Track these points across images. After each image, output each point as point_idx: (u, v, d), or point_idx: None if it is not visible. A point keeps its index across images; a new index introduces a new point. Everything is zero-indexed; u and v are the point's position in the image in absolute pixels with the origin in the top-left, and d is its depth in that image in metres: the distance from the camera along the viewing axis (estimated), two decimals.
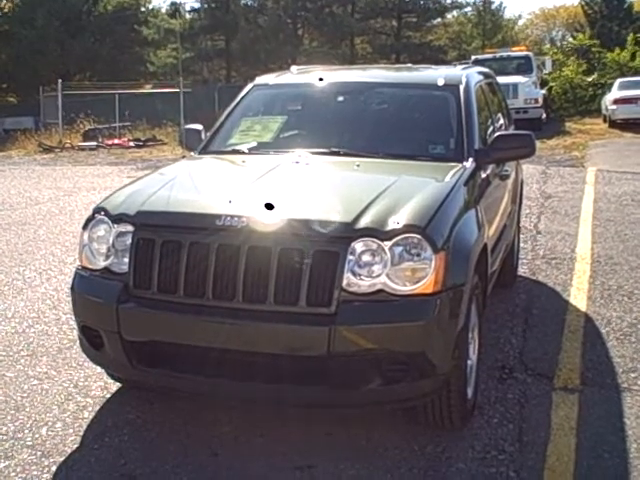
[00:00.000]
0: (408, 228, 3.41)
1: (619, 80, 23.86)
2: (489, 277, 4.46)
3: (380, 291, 3.34)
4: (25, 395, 4.34)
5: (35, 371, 4.69)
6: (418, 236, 3.39)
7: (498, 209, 5.03)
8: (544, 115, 22.30)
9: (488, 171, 4.71)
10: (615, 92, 22.48)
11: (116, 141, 21.48)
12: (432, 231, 3.44)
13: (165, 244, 3.53)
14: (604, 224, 8.80)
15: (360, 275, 3.35)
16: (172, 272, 3.49)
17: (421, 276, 3.36)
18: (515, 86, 20.74)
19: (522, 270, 6.90)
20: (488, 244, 4.25)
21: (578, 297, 6.14)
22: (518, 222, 6.78)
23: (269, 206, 3.57)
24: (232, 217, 3.47)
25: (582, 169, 13.82)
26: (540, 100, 21.84)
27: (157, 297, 3.53)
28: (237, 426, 3.88)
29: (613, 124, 21.94)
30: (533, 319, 5.67)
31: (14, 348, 5.09)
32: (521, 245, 7.38)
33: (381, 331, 3.31)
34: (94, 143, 21.11)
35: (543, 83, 25.56)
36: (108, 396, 4.30)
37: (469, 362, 3.87)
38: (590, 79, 28.25)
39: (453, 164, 4.37)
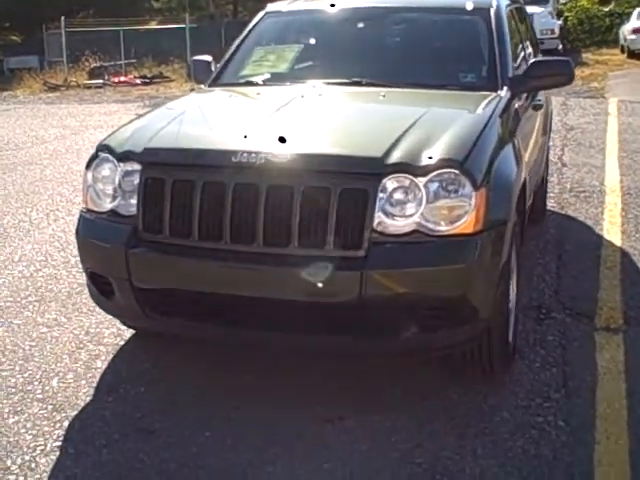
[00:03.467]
0: (444, 163, 3.08)
1: (638, 9, 23.09)
2: (526, 211, 4.14)
3: (415, 232, 3.04)
4: (34, 344, 4.09)
5: (44, 318, 4.43)
6: (456, 171, 3.07)
7: (530, 142, 4.68)
8: (560, 46, 21.68)
9: (522, 101, 4.35)
10: (634, 21, 21.81)
11: (122, 78, 20.98)
12: (471, 166, 3.12)
13: (176, 184, 3.21)
14: (631, 156, 8.44)
15: (392, 215, 3.05)
16: (185, 214, 3.18)
17: (460, 215, 3.05)
18: (531, 16, 20.04)
19: (550, 204, 6.58)
20: (527, 178, 3.93)
21: (611, 231, 5.84)
22: (547, 155, 6.44)
23: (290, 141, 3.24)
24: (249, 153, 3.15)
25: (603, 100, 13.35)
26: (556, 31, 21.27)
27: (169, 241, 3.23)
28: (260, 375, 3.63)
29: (632, 54, 21.30)
30: (566, 255, 5.37)
31: (22, 294, 4.84)
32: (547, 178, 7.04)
33: (417, 275, 3.01)
34: (100, 81, 20.62)
35: (559, 14, 24.84)
36: (122, 343, 4.04)
37: (509, 304, 3.59)
38: (607, 9, 27.39)
39: (486, 93, 4.01)
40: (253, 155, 3.14)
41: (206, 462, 2.99)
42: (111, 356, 3.91)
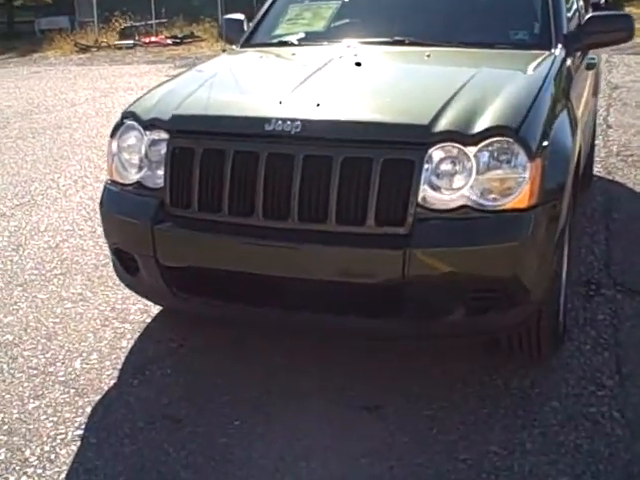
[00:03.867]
0: (497, 130, 2.82)
1: None
2: (579, 180, 3.86)
3: (463, 207, 2.79)
4: (58, 320, 3.92)
5: (69, 292, 4.27)
6: (509, 139, 2.80)
7: (582, 104, 4.37)
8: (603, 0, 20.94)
9: (575, 60, 4.04)
10: None
11: (153, 39, 20.71)
12: (526, 133, 2.85)
13: (206, 154, 2.99)
14: None
15: (439, 188, 2.80)
16: (215, 187, 2.96)
17: (513, 188, 2.80)
18: None
19: (596, 169, 6.25)
20: (581, 145, 3.64)
21: None
22: (595, 117, 6.10)
23: (328, 107, 3.00)
24: (284, 121, 2.91)
25: None
26: None
27: (198, 216, 3.02)
28: (292, 357, 3.43)
29: None
30: (615, 225, 5.08)
31: (47, 266, 4.68)
32: None
33: (464, 254, 2.77)
34: (131, 41, 20.39)
35: None
36: (148, 320, 3.86)
37: (561, 281, 3.34)
38: None
39: (540, 52, 3.72)
40: (288, 123, 2.90)
41: (235, 455, 2.80)
42: (137, 334, 3.73)
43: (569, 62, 3.82)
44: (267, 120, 2.93)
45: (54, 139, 8.56)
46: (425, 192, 2.78)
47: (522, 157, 2.80)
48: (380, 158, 2.78)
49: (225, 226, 2.96)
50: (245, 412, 3.06)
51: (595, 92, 5.48)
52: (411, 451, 2.80)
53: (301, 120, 2.90)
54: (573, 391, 3.15)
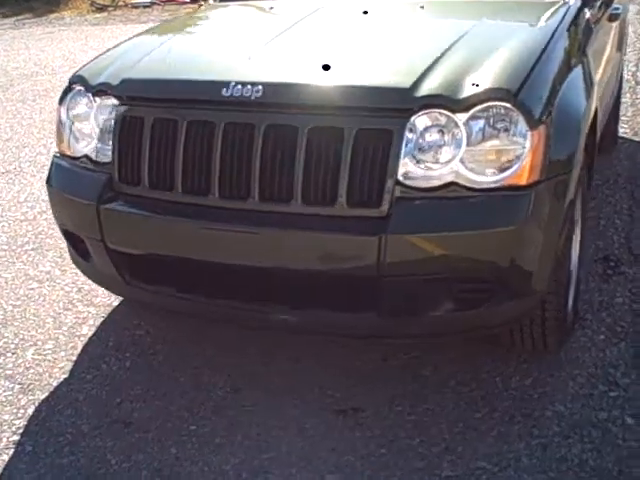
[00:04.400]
0: (493, 93, 2.39)
1: None
2: (596, 147, 3.42)
3: (451, 184, 2.37)
4: (18, 303, 3.58)
5: (37, 270, 3.93)
6: (507, 104, 2.37)
7: (603, 60, 3.89)
8: None
9: (595, 10, 3.56)
10: None
11: None
12: (527, 97, 2.42)
13: (157, 124, 2.61)
14: None
15: (423, 162, 2.38)
16: (167, 162, 2.58)
17: (510, 161, 2.37)
18: None
19: (622, 130, 5.74)
20: (598, 106, 3.19)
21: None
22: (621, 73, 5.58)
23: (294, 69, 2.59)
24: (244, 85, 2.50)
25: None
26: None
27: (149, 195, 2.64)
28: (265, 350, 3.05)
29: None
30: None
31: (19, 240, 4.34)
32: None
33: (452, 240, 2.35)
34: (148, 0, 19.90)
35: None
36: (116, 304, 3.51)
37: (571, 265, 2.92)
38: None
39: (551, 1, 3.24)
40: (248, 87, 2.50)
41: (184, 469, 2.45)
42: (101, 320, 3.38)
43: (587, 13, 3.34)
44: (225, 84, 2.53)
45: (55, 102, 8.18)
46: (406, 167, 2.37)
47: (522, 125, 2.37)
48: (353, 128, 2.37)
49: (178, 207, 2.58)
50: (204, 416, 2.71)
51: (620, 46, 4.96)
52: (387, 466, 2.42)
53: (263, 84, 2.50)
54: (581, 391, 2.75)
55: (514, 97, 2.38)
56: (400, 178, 2.36)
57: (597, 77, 3.46)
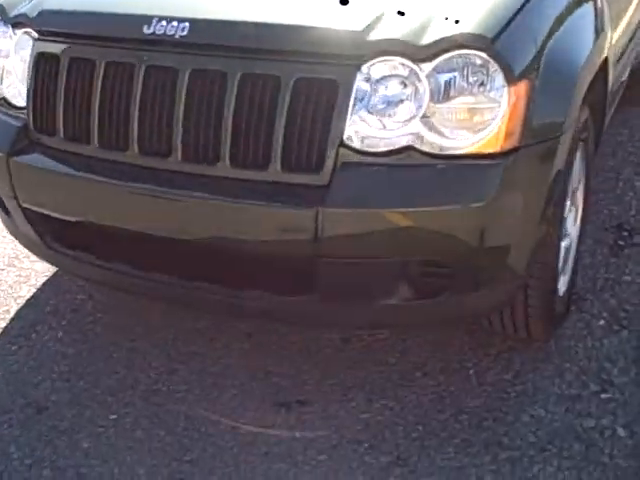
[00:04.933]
0: (464, 39, 1.93)
1: None
2: (610, 99, 2.93)
3: (408, 149, 1.94)
4: None
5: None
6: (481, 53, 1.92)
7: None
8: None
9: None
10: None
11: None
12: (507, 45, 1.96)
13: (73, 64, 2.21)
14: None
15: (375, 120, 1.95)
16: (83, 110, 2.18)
17: (482, 123, 1.93)
18: None
19: None
20: (610, 55, 2.70)
21: None
22: None
23: (225, 4, 2.16)
24: (169, 21, 2.08)
25: None
26: None
27: (65, 148, 2.25)
28: (215, 324, 2.69)
29: None
30: None
31: None
32: None
33: (405, 217, 1.93)
34: None
35: None
36: None
37: (564, 243, 2.49)
38: None
39: None
40: (173, 24, 2.07)
41: (92, 470, 2.11)
42: (43, 280, 3.04)
43: None
44: (146, 20, 2.11)
45: None
46: (354, 126, 1.95)
47: (498, 79, 1.92)
48: (291, 76, 1.95)
49: (95, 163, 2.20)
50: (129, 403, 2.37)
51: None
52: (325, 477, 2.07)
53: (190, 20, 2.07)
54: (568, 391, 2.35)
55: (490, 45, 1.93)
56: (346, 139, 1.94)
57: (619, 15, 2.95)
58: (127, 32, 2.15)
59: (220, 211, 2.03)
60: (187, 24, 2.06)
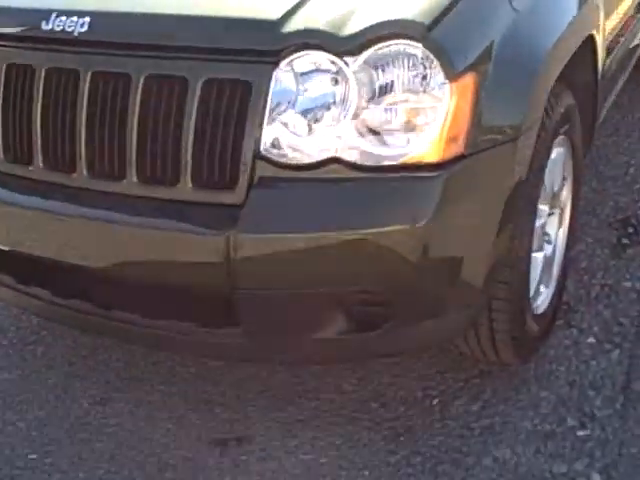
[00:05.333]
0: (395, 29, 1.64)
1: None
2: (605, 83, 2.60)
3: (333, 160, 1.66)
4: None
5: None
6: (416, 44, 1.63)
7: None
8: None
9: None
10: None
11: None
12: (447, 33, 1.68)
13: None
14: None
15: (295, 127, 1.68)
16: None
17: (420, 127, 1.65)
18: None
19: None
20: (602, 30, 2.37)
21: None
22: None
23: None
24: (68, 16, 1.82)
25: None
26: None
27: None
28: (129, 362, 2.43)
29: None
30: None
31: None
32: None
33: (330, 243, 1.66)
34: None
35: None
36: None
37: (542, 253, 2.20)
38: None
39: None
40: (73, 19, 1.82)
41: None
42: None
43: None
44: (46, 14, 1.85)
45: None
46: (272, 134, 1.68)
47: (437, 74, 1.63)
48: (198, 78, 1.69)
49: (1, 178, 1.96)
50: (54, 439, 2.14)
51: None
52: None
53: (91, 14, 1.81)
54: (541, 426, 2.07)
55: (427, 33, 1.64)
56: (263, 150, 1.67)
57: None
58: (26, 29, 1.91)
59: (126, 235, 1.78)
60: (87, 19, 1.80)
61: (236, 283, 1.68)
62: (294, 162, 1.67)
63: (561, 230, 2.36)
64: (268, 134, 1.67)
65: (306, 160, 1.67)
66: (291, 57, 1.66)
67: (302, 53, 1.66)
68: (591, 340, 2.37)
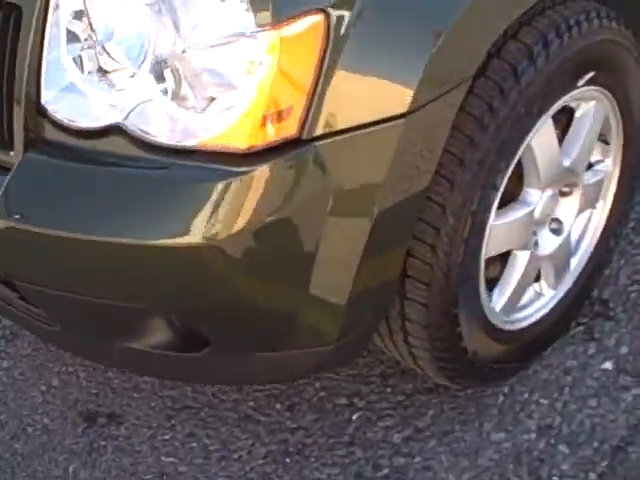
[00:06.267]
0: None
1: None
2: None
3: (116, 130, 1.17)
4: None
5: None
6: None
7: None
8: None
9: None
10: None
11: None
12: None
13: None
14: None
15: (90, 64, 1.19)
16: None
17: (229, 96, 1.11)
18: None
19: None
20: None
21: None
22: None
23: None
24: None
25: None
26: None
27: None
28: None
29: None
30: None
31: None
32: None
33: (88, 245, 1.20)
34: None
35: None
36: None
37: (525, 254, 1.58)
38: None
39: None
40: None
41: None
42: None
43: None
44: None
45: None
46: (60, 77, 1.21)
47: (249, 19, 1.08)
48: None
49: None
50: None
51: None
52: None
53: None
54: None
55: None
56: (45, 102, 1.22)
57: None
58: None
59: None
60: None
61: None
62: (76, 123, 1.21)
63: (586, 216, 1.69)
64: (53, 75, 1.21)
65: (90, 125, 1.20)
66: None
67: None
68: (606, 366, 1.73)
